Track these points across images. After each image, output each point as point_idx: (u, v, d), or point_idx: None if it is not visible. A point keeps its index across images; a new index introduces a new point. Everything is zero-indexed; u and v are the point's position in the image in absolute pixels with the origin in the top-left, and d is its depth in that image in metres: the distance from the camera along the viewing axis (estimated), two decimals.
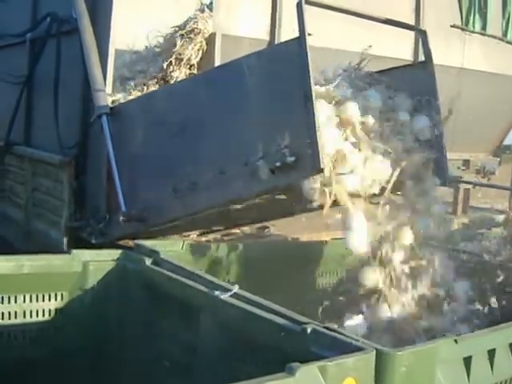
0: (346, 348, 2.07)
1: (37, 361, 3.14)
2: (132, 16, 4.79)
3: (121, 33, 4.36)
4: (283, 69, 3.16)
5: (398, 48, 6.04)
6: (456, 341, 2.19)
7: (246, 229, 4.63)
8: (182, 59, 4.86)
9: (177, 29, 5.17)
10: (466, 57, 6.76)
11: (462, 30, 6.74)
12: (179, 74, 4.96)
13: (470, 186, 7.08)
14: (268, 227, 4.71)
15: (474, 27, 6.80)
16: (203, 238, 4.34)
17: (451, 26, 6.62)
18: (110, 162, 3.97)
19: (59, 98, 4.78)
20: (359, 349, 2.04)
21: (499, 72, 7.03)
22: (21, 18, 5.75)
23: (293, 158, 3.05)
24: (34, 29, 5.35)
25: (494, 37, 7.01)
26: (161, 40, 5.26)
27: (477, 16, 6.76)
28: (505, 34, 7.12)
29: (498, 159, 7.87)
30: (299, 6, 3.00)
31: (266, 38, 5.32)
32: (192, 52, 4.86)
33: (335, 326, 2.28)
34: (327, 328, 2.24)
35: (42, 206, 5.22)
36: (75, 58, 4.50)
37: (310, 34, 2.97)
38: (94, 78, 4.18)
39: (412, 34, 6.05)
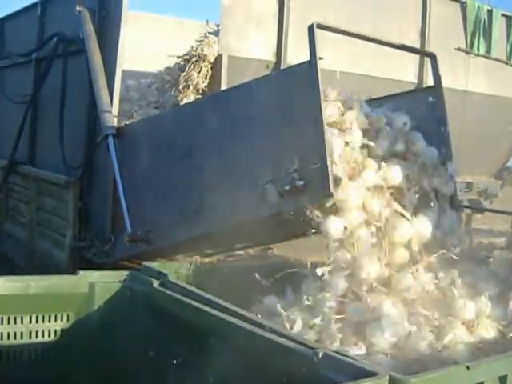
0: (359, 373, 2.04)
1: (42, 381, 3.12)
2: (139, 38, 4.82)
3: (128, 55, 4.36)
4: (293, 92, 3.15)
5: (403, 70, 6.06)
6: (468, 367, 2.17)
7: (250, 250, 4.62)
8: (188, 83, 4.89)
9: (182, 53, 5.21)
10: (470, 80, 6.77)
11: (467, 53, 6.76)
12: (183, 96, 4.98)
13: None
14: (271, 248, 4.69)
15: (478, 50, 6.82)
16: (207, 259, 4.32)
17: (456, 49, 6.64)
18: (116, 183, 3.96)
19: (65, 118, 4.79)
20: (373, 374, 2.02)
21: (503, 95, 7.05)
22: (27, 38, 5.77)
23: (302, 182, 3.03)
24: (40, 48, 5.37)
25: (498, 60, 7.04)
26: (167, 63, 5.29)
27: (481, 39, 6.78)
28: (509, 57, 7.14)
29: (500, 182, 7.87)
30: (311, 30, 2.98)
31: (273, 59, 5.33)
32: (199, 79, 4.89)
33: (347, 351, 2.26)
34: (338, 353, 2.22)
35: (46, 225, 5.22)
36: (81, 78, 4.52)
37: (321, 58, 2.95)
38: (100, 98, 4.19)
39: (417, 56, 6.08)
